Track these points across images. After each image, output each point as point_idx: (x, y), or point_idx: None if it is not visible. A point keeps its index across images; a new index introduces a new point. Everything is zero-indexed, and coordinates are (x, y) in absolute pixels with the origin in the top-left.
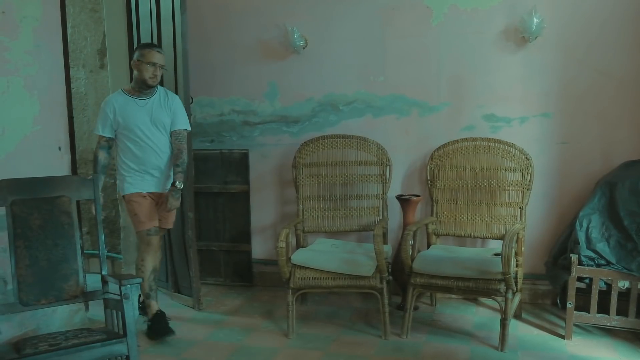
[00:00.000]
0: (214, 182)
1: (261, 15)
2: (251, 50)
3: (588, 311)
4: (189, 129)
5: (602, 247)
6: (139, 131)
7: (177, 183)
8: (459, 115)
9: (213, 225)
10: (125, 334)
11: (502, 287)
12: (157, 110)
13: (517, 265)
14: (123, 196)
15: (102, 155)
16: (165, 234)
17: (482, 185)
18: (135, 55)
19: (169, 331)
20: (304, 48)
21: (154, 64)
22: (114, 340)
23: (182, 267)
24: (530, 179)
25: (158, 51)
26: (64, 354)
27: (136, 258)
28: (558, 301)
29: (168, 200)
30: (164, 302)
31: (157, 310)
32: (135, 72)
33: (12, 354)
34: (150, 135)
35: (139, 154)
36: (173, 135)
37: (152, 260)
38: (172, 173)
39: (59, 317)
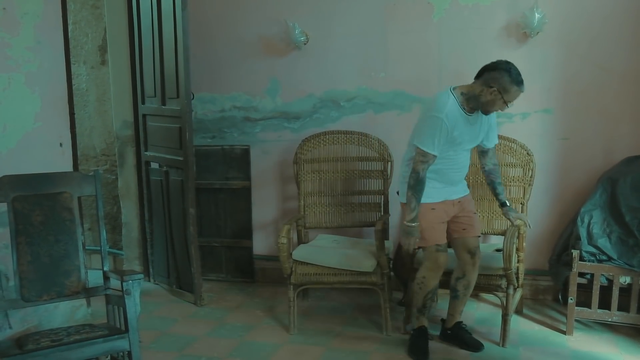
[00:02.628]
0: (215, 178)
1: (262, 11)
2: (252, 46)
3: (589, 307)
4: None
5: (603, 242)
6: (459, 148)
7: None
8: None
9: (214, 222)
10: (127, 330)
11: (504, 282)
12: (484, 127)
13: (518, 261)
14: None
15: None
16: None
17: (484, 181)
18: (498, 83)
19: (424, 355)
20: (305, 44)
21: (509, 104)
22: (116, 336)
23: (184, 263)
24: (531, 175)
25: (523, 91)
26: (65, 350)
27: (418, 273)
28: (559, 297)
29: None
30: (165, 298)
31: (422, 326)
32: (482, 94)
33: (15, 350)
34: (463, 153)
35: (442, 168)
36: (491, 151)
37: (435, 279)
38: (499, 191)
39: (61, 313)
